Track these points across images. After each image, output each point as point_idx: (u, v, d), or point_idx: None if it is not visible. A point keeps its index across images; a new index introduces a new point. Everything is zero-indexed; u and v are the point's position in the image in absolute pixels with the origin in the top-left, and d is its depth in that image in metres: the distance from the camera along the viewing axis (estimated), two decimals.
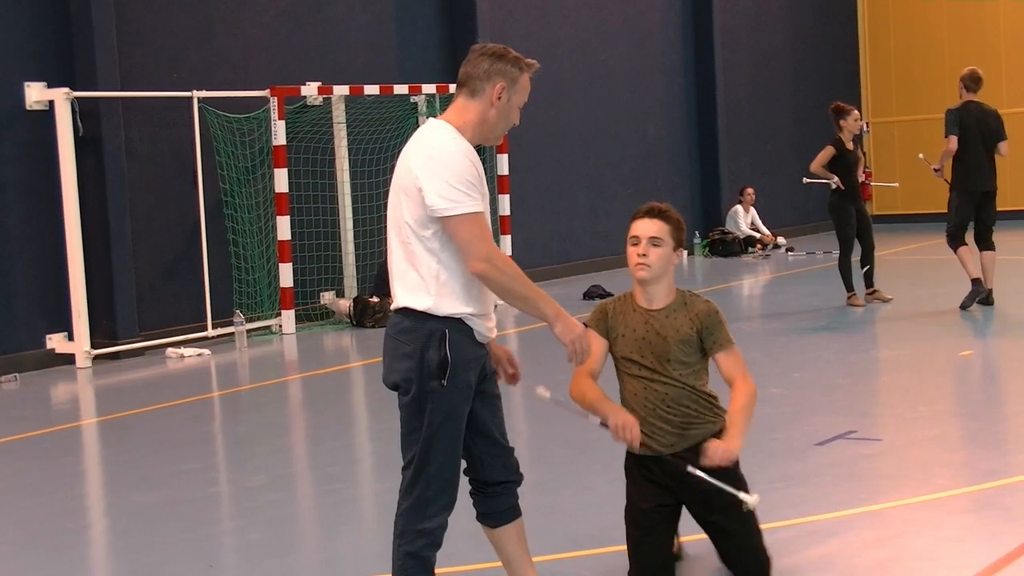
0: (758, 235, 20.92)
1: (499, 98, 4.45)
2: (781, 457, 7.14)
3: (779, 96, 23.58)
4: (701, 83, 21.42)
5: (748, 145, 22.67)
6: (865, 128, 25.53)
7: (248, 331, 13.22)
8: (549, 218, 18.33)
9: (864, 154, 25.18)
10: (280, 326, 13.89)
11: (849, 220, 13.15)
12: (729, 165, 21.82)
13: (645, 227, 4.35)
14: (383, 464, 7.94)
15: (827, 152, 13.17)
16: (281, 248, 13.90)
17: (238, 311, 13.23)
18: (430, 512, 4.41)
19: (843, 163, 13.20)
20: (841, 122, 13.27)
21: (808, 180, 15.43)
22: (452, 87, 15.77)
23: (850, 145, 13.30)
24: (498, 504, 4.67)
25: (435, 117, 4.57)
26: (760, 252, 20.44)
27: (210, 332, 13.37)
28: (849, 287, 13.23)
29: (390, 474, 7.58)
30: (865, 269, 13.34)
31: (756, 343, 11.32)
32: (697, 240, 20.61)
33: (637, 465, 4.70)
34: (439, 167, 4.25)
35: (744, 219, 21.06)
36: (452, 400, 4.35)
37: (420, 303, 4.33)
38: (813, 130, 21.74)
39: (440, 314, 4.31)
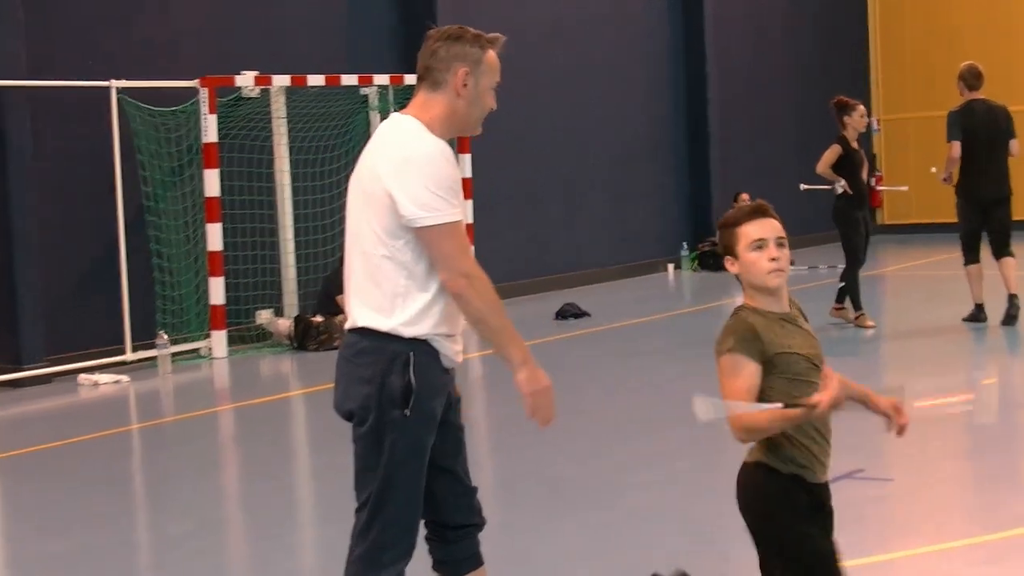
0: None
1: (465, 85, 4.47)
2: None
3: (778, 91, 23.70)
4: (690, 75, 21.50)
5: (743, 146, 22.77)
6: (875, 126, 25.69)
7: (173, 355, 13.17)
8: (518, 226, 18.35)
9: (873, 155, 25.58)
10: (210, 349, 13.84)
11: (857, 228, 13.21)
12: (721, 168, 21.90)
13: (768, 227, 4.22)
14: (327, 506, 7.91)
15: (833, 151, 13.22)
16: (211, 260, 13.85)
17: (161, 332, 13.17)
18: (386, 559, 4.40)
19: (849, 164, 13.25)
20: (846, 118, 13.33)
21: (806, 187, 15.47)
22: (407, 78, 15.80)
23: (855, 144, 13.38)
24: (459, 551, 4.65)
25: (398, 111, 4.57)
26: None
27: (129, 356, 13.30)
28: (857, 305, 13.28)
29: (335, 517, 7.55)
30: (841, 284, 13.42)
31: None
32: (685, 252, 20.66)
33: (808, 493, 4.45)
34: (414, 171, 4.27)
35: None
36: (415, 432, 4.34)
37: (382, 323, 4.32)
38: (815, 130, 21.83)
39: (405, 335, 4.31)
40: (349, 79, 15.15)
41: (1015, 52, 24.20)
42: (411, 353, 4.30)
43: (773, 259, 4.22)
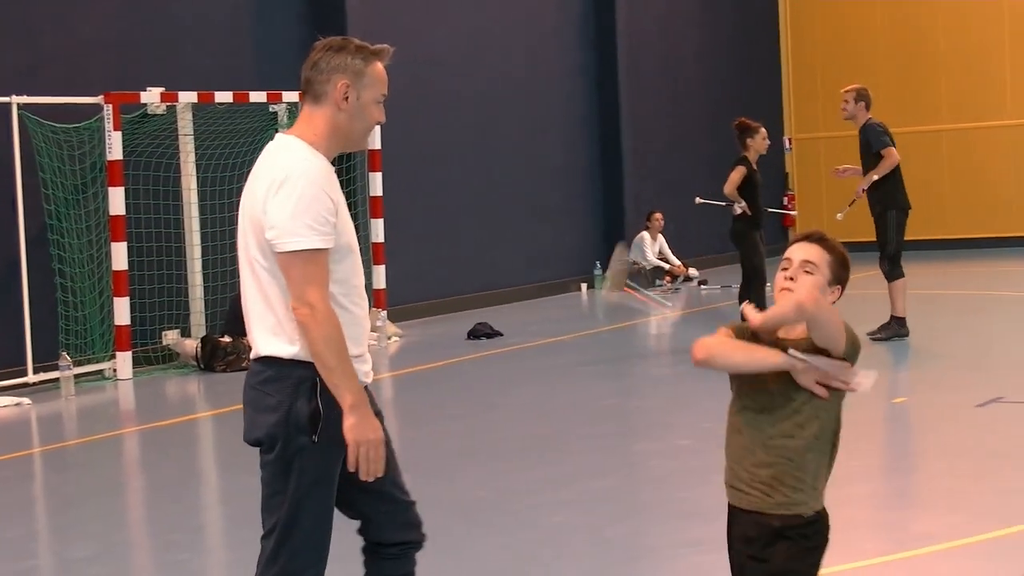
0: (667, 266, 21.14)
1: (346, 99, 4.41)
2: (690, 519, 7.20)
3: (691, 110, 23.92)
4: (603, 94, 21.64)
5: (656, 164, 22.94)
6: (787, 145, 26.01)
7: (76, 376, 13.02)
8: (430, 246, 18.34)
9: (786, 174, 25.89)
10: (115, 370, 13.70)
11: (757, 248, 13.49)
12: (634, 187, 22.04)
13: (800, 251, 4.22)
14: (234, 530, 7.86)
15: (740, 172, 13.56)
16: (116, 280, 13.72)
17: (64, 353, 13.02)
18: None
19: (751, 186, 13.56)
20: (748, 140, 13.66)
21: (701, 200, 15.69)
22: None
23: (755, 165, 13.69)
24: (393, 569, 4.61)
25: (283, 131, 4.53)
26: (669, 285, 20.66)
27: (31, 378, 13.13)
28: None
29: (242, 541, 7.51)
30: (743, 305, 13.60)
31: (663, 388, 11.45)
32: (598, 272, 20.77)
33: (730, 517, 4.38)
34: (284, 194, 4.22)
35: (651, 248, 21.28)
36: (324, 458, 4.31)
37: (283, 350, 4.28)
38: (729, 148, 22.01)
39: (308, 359, 4.26)
40: (258, 96, 15.09)
41: (926, 75, 24.61)
42: (316, 379, 4.26)
43: (789, 279, 4.22)
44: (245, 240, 4.38)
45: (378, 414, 4.52)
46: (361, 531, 4.60)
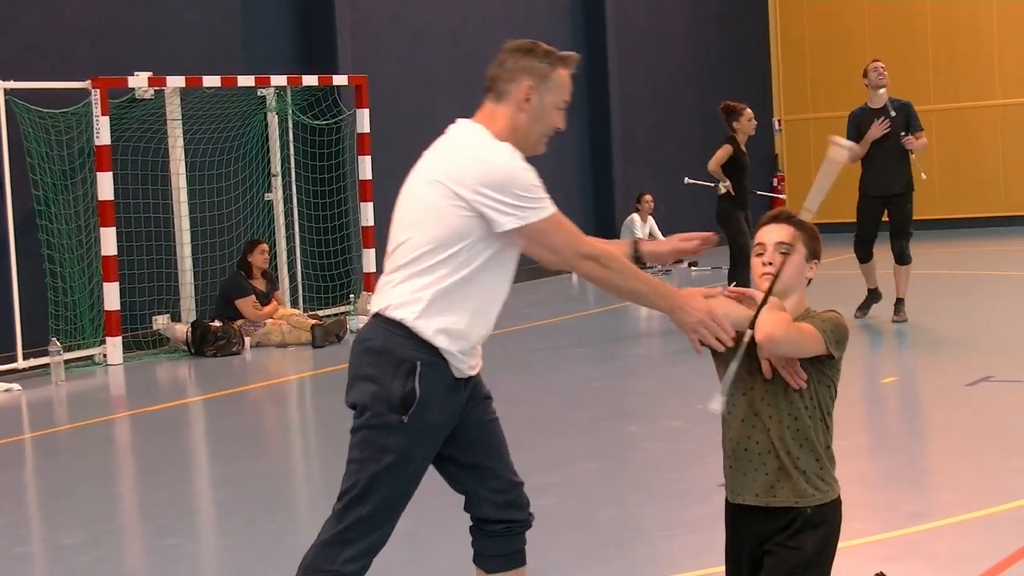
0: None
1: (527, 100, 4.46)
2: (681, 500, 7.22)
3: (680, 92, 23.91)
4: (592, 75, 21.60)
5: (645, 146, 22.93)
6: (777, 127, 26.01)
7: (66, 362, 13.00)
8: None
9: (775, 155, 25.89)
10: (104, 356, 13.68)
11: (742, 227, 13.54)
12: (624, 169, 22.04)
13: (771, 233, 4.22)
14: (225, 515, 7.87)
15: (725, 151, 13.64)
16: (106, 265, 13.70)
17: (54, 339, 13.00)
18: (346, 555, 4.41)
19: (737, 166, 13.65)
20: (735, 123, 13.73)
21: (690, 181, 15.73)
22: (305, 78, 15.74)
23: (743, 148, 13.72)
24: (495, 546, 4.66)
25: (465, 119, 4.55)
26: (660, 267, 20.65)
27: (20, 363, 13.11)
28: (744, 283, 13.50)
29: (232, 526, 7.52)
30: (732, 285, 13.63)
31: (653, 369, 11.47)
32: None
33: (728, 513, 4.39)
34: (501, 182, 4.28)
35: (641, 229, 21.26)
36: (411, 440, 4.36)
37: (405, 312, 4.33)
38: (718, 130, 22.05)
39: (421, 336, 4.32)
40: (246, 80, 15.06)
41: (913, 55, 24.61)
42: (418, 362, 4.32)
43: (767, 264, 4.23)
44: (414, 214, 4.42)
45: (487, 398, 4.60)
46: (466, 507, 4.66)
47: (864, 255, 13.17)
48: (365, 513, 4.39)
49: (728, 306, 4.28)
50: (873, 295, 13.30)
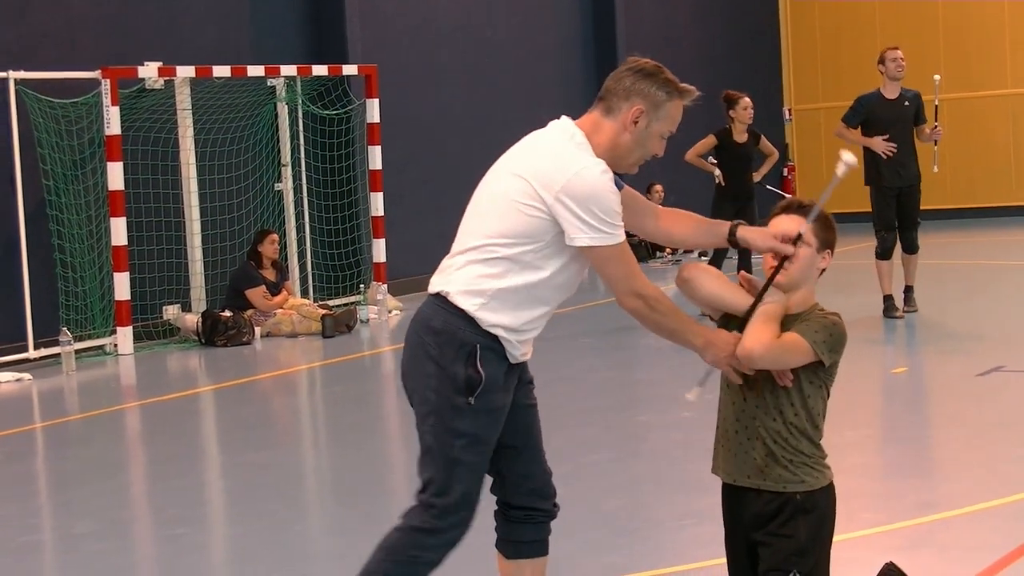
0: None
1: (635, 123, 4.46)
2: (692, 490, 7.21)
3: (690, 80, 23.38)
4: (601, 64, 21.55)
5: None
6: (787, 116, 25.96)
7: (77, 352, 13.01)
8: (429, 219, 18.29)
9: (786, 145, 25.83)
10: (115, 345, 13.70)
11: (726, 219, 13.46)
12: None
13: (782, 225, 4.24)
14: (235, 505, 7.88)
15: (705, 141, 13.69)
16: (116, 255, 13.71)
17: (65, 329, 13.01)
18: (433, 542, 4.45)
19: (729, 156, 13.60)
20: (731, 112, 13.73)
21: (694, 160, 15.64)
22: (315, 68, 15.73)
23: (741, 138, 13.65)
24: (519, 532, 4.69)
25: (569, 120, 4.56)
26: (669, 257, 20.63)
27: (31, 353, 13.12)
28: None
29: (242, 516, 7.53)
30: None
31: (663, 359, 11.42)
32: None
33: (724, 491, 4.49)
34: (585, 198, 4.29)
35: None
36: (479, 422, 4.39)
37: (467, 302, 4.35)
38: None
39: (483, 325, 4.36)
40: (256, 70, 15.05)
41: (924, 44, 24.53)
42: (478, 345, 4.35)
43: (775, 258, 4.23)
44: (495, 202, 4.44)
45: (530, 382, 4.63)
46: (492, 488, 4.67)
47: (890, 246, 12.86)
48: (450, 502, 4.42)
49: (713, 284, 4.34)
50: (891, 303, 12.99)
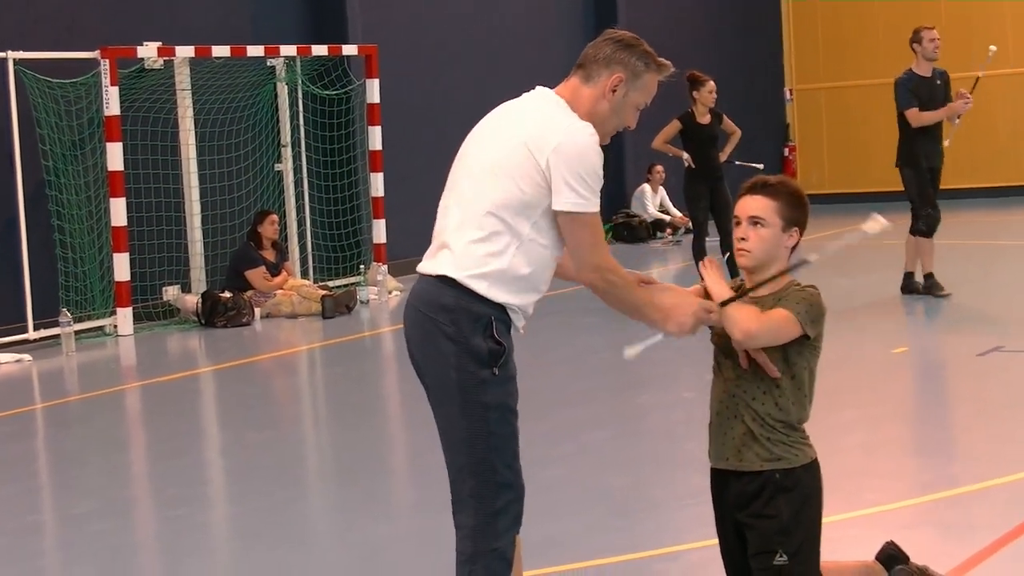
0: (668, 218, 21.10)
1: (613, 91, 4.48)
2: (693, 470, 7.19)
3: (693, 60, 23.66)
4: None
5: (657, 117, 22.77)
6: (788, 96, 25.92)
7: (77, 332, 13.00)
8: (430, 200, 18.13)
9: (787, 125, 25.79)
10: (115, 326, 13.69)
11: (699, 202, 13.67)
12: (635, 140, 21.96)
13: (746, 205, 4.24)
14: (235, 484, 7.88)
15: (670, 127, 13.77)
16: (116, 236, 13.70)
17: (65, 309, 13.01)
18: (503, 525, 4.40)
19: (695, 139, 13.69)
20: (695, 93, 13.81)
21: (739, 163, 15.61)
22: (315, 48, 15.69)
23: (704, 119, 13.70)
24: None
25: (547, 88, 4.56)
26: (670, 237, 20.62)
27: (31, 334, 13.12)
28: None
29: (243, 495, 7.53)
30: (726, 256, 13.62)
31: (665, 339, 11.44)
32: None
33: (712, 477, 4.49)
34: (575, 159, 4.29)
35: (652, 200, 21.23)
36: (505, 391, 4.38)
37: (475, 284, 4.33)
38: (728, 101, 21.98)
39: (493, 300, 4.34)
40: (255, 50, 15.02)
41: (925, 21, 24.43)
42: (492, 316, 4.33)
43: (740, 239, 4.24)
44: (483, 181, 4.39)
45: (511, 377, 4.52)
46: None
47: (935, 224, 12.70)
48: (500, 478, 4.38)
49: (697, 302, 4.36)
50: (924, 281, 12.86)
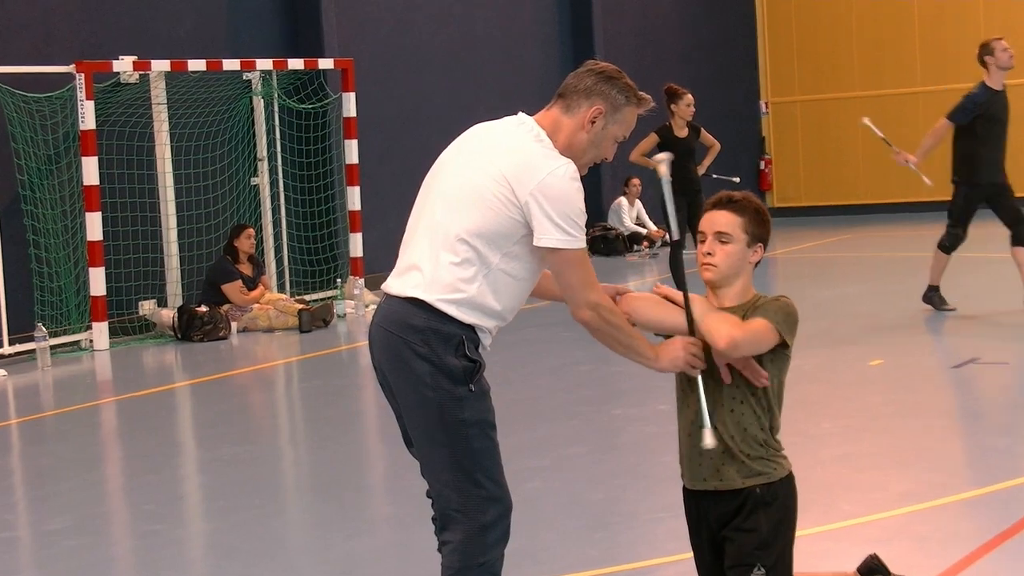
0: (644, 231, 21.13)
1: (593, 122, 4.50)
2: (668, 483, 7.18)
3: (668, 73, 23.78)
4: (579, 58, 21.48)
5: (634, 130, 22.76)
6: (764, 109, 26.01)
7: (52, 347, 12.96)
8: (406, 213, 18.15)
9: (762, 138, 25.87)
10: (91, 341, 13.65)
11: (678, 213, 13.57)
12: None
13: (712, 220, 4.26)
14: (211, 500, 7.85)
15: (648, 140, 13.77)
16: (91, 250, 13.66)
17: (40, 324, 12.96)
18: (491, 539, 4.39)
19: (673, 152, 13.60)
20: (672, 106, 13.80)
21: (716, 176, 15.67)
22: (291, 62, 15.67)
23: (682, 132, 13.73)
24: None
25: (527, 116, 4.56)
26: (647, 250, 20.65)
27: (6, 349, 13.07)
28: (679, 284, 13.45)
29: (218, 511, 7.50)
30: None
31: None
32: None
33: (686, 499, 4.47)
34: (560, 199, 4.31)
35: (629, 213, 21.27)
36: (482, 406, 4.40)
37: (446, 307, 4.33)
38: (706, 113, 22.04)
39: (463, 321, 4.36)
40: (231, 64, 15.00)
41: (900, 36, 24.60)
42: (463, 335, 4.35)
43: (706, 253, 4.26)
44: (457, 211, 4.38)
45: (486, 392, 4.54)
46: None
47: (959, 243, 12.54)
48: (486, 492, 4.38)
49: (653, 311, 4.39)
50: (926, 291, 12.72)
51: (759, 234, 4.29)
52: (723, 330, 4.13)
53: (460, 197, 4.40)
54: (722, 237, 4.23)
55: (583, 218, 4.38)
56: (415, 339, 4.35)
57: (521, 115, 4.60)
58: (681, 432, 4.35)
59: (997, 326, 11.98)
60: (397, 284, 4.47)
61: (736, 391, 4.22)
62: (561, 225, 4.31)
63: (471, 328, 4.38)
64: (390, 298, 4.47)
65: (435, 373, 4.34)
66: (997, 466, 7.31)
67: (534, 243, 4.34)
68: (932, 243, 12.85)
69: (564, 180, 4.35)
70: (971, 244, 13.12)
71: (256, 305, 14.41)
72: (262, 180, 15.90)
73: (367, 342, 4.62)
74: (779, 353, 4.22)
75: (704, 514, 4.30)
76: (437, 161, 4.61)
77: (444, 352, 4.33)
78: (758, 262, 4.33)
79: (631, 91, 4.58)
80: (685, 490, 4.37)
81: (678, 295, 4.33)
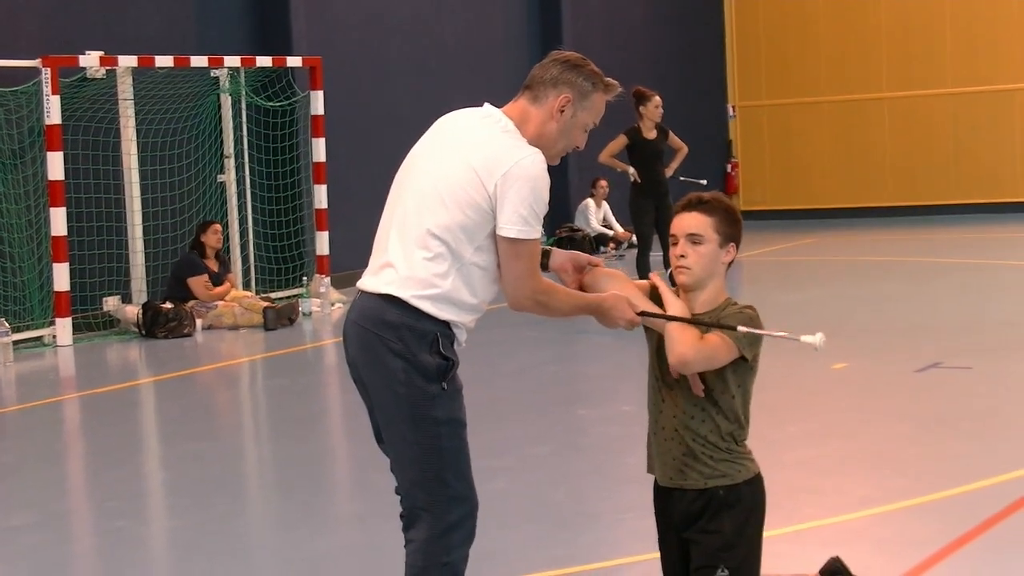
0: (611, 232, 21.17)
1: (561, 111, 4.50)
2: (632, 484, 7.22)
3: (637, 77, 23.76)
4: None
5: (603, 132, 22.83)
6: (731, 113, 26.10)
7: (15, 343, 12.90)
8: (373, 212, 18.10)
9: (729, 142, 25.95)
10: (54, 337, 13.58)
11: (643, 217, 13.82)
12: (579, 154, 21.92)
13: (682, 223, 4.25)
14: (174, 497, 7.83)
15: (617, 142, 13.87)
16: (55, 245, 13.59)
17: (3, 319, 12.89)
18: (455, 541, 4.39)
19: (641, 154, 13.81)
20: (641, 108, 13.91)
21: (683, 178, 15.73)
22: (259, 59, 15.64)
23: (650, 134, 13.82)
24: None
25: (494, 108, 4.56)
26: (613, 251, 20.69)
27: None
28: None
29: (182, 508, 7.49)
30: (669, 272, 13.70)
31: (603, 354, 11.47)
32: (544, 239, 20.75)
33: (655, 494, 4.48)
34: (526, 188, 4.34)
35: (596, 215, 21.30)
36: (454, 404, 4.40)
37: (420, 304, 4.34)
38: (673, 116, 22.08)
39: (438, 317, 4.36)
40: (199, 60, 14.96)
41: (867, 42, 24.72)
42: (438, 332, 4.35)
43: (680, 256, 4.26)
44: (428, 207, 4.39)
45: (459, 390, 4.53)
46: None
47: None
48: (453, 492, 4.39)
49: (618, 291, 4.44)
50: None
51: (731, 233, 4.28)
52: (677, 349, 4.14)
53: (430, 193, 4.41)
54: (694, 239, 4.23)
55: (545, 210, 4.41)
56: (390, 336, 4.36)
57: (487, 106, 4.59)
58: (650, 428, 4.35)
59: (960, 330, 12.06)
60: (372, 281, 4.48)
61: (698, 402, 4.23)
62: (524, 215, 4.34)
63: (446, 325, 4.39)
64: (365, 295, 4.48)
65: (409, 370, 4.34)
66: (958, 470, 7.36)
67: (496, 232, 4.35)
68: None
69: (530, 169, 4.37)
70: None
71: (221, 302, 14.37)
72: (228, 177, 15.86)
73: (338, 339, 4.64)
74: (740, 364, 4.23)
75: (670, 511, 4.32)
76: (407, 157, 4.62)
77: (418, 349, 4.34)
78: (731, 263, 4.33)
79: (597, 77, 4.59)
80: (655, 486, 4.37)
81: (668, 293, 4.31)
